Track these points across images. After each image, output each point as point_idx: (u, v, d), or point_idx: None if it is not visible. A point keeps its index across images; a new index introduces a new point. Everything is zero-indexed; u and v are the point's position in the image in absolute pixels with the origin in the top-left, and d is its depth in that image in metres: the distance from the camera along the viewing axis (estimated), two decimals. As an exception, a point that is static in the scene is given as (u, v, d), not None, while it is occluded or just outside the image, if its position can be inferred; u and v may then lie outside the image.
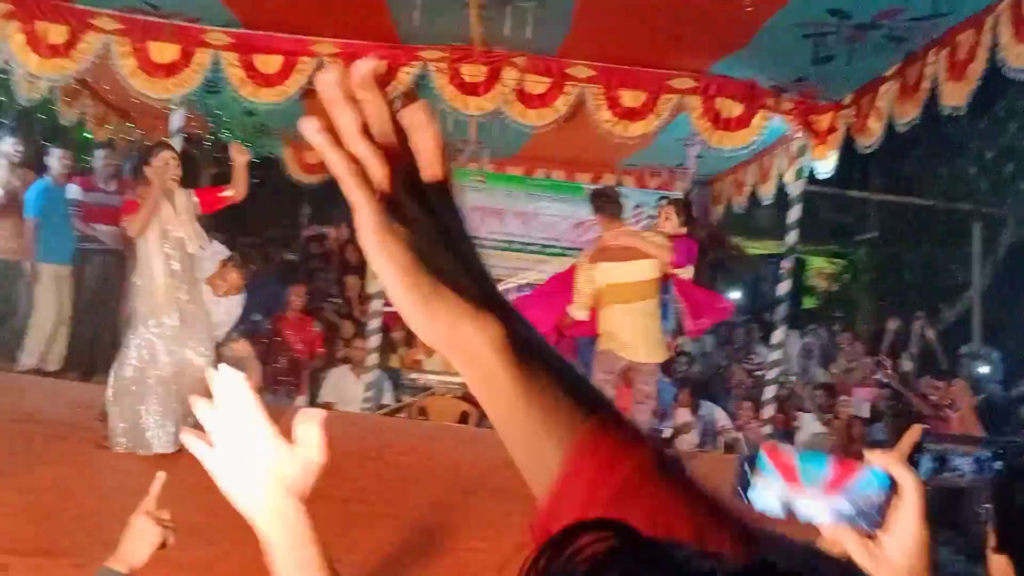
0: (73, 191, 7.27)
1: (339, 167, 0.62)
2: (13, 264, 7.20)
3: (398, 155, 0.64)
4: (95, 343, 7.35)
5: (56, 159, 7.30)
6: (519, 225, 9.85)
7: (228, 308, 6.03)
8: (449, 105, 6.80)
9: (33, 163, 7.44)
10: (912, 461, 1.22)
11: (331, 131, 0.63)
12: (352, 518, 4.60)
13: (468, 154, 9.70)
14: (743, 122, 6.86)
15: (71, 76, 6.68)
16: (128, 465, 4.98)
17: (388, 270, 0.62)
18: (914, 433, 1.50)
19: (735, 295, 16.03)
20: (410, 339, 8.59)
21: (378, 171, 0.63)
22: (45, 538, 3.80)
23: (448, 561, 4.11)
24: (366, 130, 0.63)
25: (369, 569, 3.91)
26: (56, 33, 6.40)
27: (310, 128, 0.63)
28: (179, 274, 5.26)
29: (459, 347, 0.63)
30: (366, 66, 0.62)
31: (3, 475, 4.53)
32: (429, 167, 0.66)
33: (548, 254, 9.54)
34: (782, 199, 8.19)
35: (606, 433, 0.61)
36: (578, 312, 6.06)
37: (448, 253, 0.64)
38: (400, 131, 0.65)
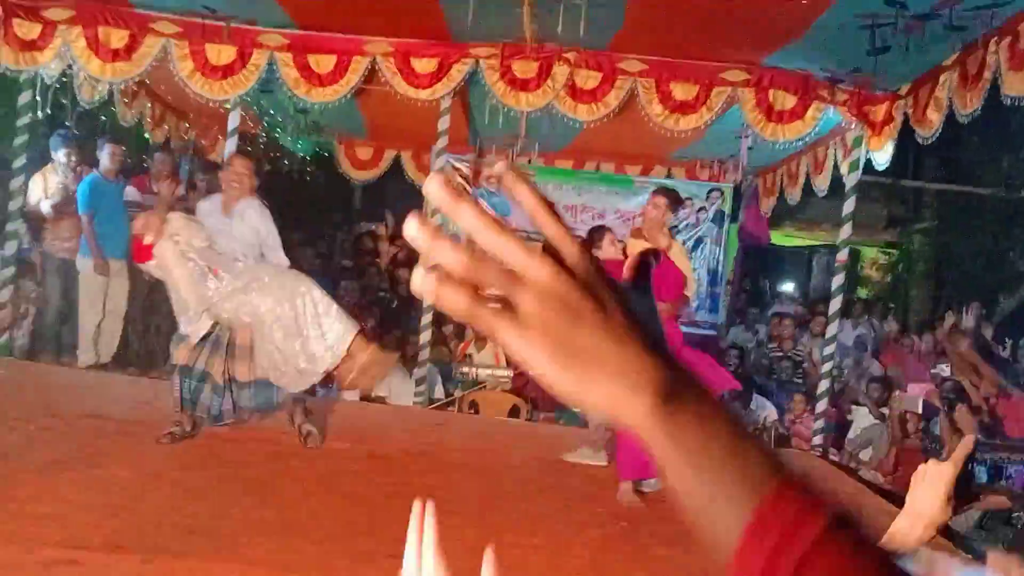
0: (130, 193, 7.42)
1: (508, 241, 0.60)
2: (70, 263, 7.37)
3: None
4: (151, 339, 7.53)
5: (106, 153, 7.45)
6: (570, 218, 9.86)
7: (251, 222, 5.30)
8: (501, 101, 6.83)
9: (91, 162, 7.60)
10: (968, 473, 1.22)
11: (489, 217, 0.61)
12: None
13: (518, 148, 9.75)
14: (797, 114, 6.80)
15: (131, 79, 6.82)
16: (189, 459, 5.10)
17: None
18: (967, 445, 1.50)
19: (786, 287, 15.91)
20: (460, 333, 8.65)
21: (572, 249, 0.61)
22: (114, 534, 3.90)
23: (507, 558, 4.14)
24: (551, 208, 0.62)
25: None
26: (117, 37, 6.54)
27: (435, 183, 0.60)
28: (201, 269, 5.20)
29: (618, 409, 0.60)
30: (501, 167, 0.62)
31: (71, 470, 4.66)
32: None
33: (598, 247, 9.54)
34: (836, 189, 8.09)
35: (789, 497, 0.58)
36: None
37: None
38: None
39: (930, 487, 1.40)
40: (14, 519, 3.94)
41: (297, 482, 4.93)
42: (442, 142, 7.35)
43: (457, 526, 4.32)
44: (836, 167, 7.84)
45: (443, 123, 7.19)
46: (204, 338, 5.22)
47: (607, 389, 0.59)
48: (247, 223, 5.22)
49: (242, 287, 5.11)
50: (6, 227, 7.25)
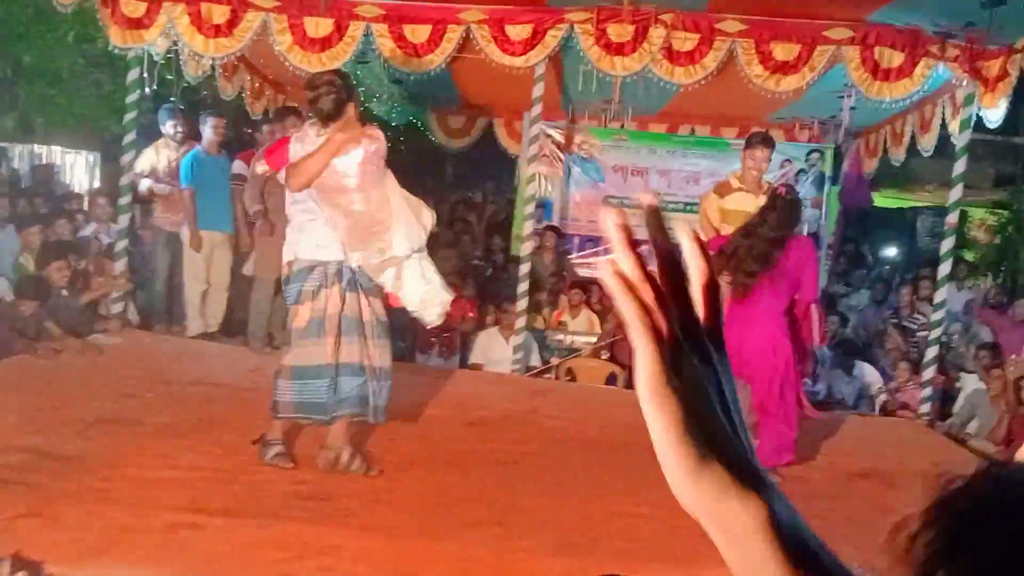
0: (238, 166, 7.60)
1: (628, 312, 0.62)
2: (176, 235, 7.60)
3: (677, 295, 0.64)
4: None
5: (209, 127, 7.60)
6: (663, 183, 9.73)
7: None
8: (596, 66, 6.75)
9: (195, 137, 7.79)
10: None
11: (623, 276, 0.63)
12: (508, 481, 4.73)
13: (611, 113, 9.65)
14: (904, 71, 6.54)
15: (233, 54, 6.95)
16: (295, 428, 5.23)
17: (660, 427, 0.62)
18: None
19: (890, 250, 15.45)
20: (554, 300, 8.65)
21: (662, 320, 0.63)
22: (231, 499, 4.05)
23: (613, 528, 4.16)
24: (650, 276, 0.63)
25: (530, 532, 4.00)
26: (219, 13, 6.67)
27: (606, 271, 0.63)
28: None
29: (722, 522, 0.63)
30: (647, 199, 0.63)
31: (186, 436, 4.84)
32: (703, 308, 0.65)
33: (692, 211, 9.38)
34: (942, 149, 7.78)
35: None
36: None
37: (720, 418, 0.63)
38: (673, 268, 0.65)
39: None
40: (136, 483, 4.13)
41: (401, 450, 5.02)
42: (536, 109, 7.31)
43: (561, 495, 4.37)
44: (943, 125, 7.54)
45: (537, 90, 7.14)
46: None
47: (718, 490, 0.63)
48: None
49: None
50: (119, 201, 7.50)
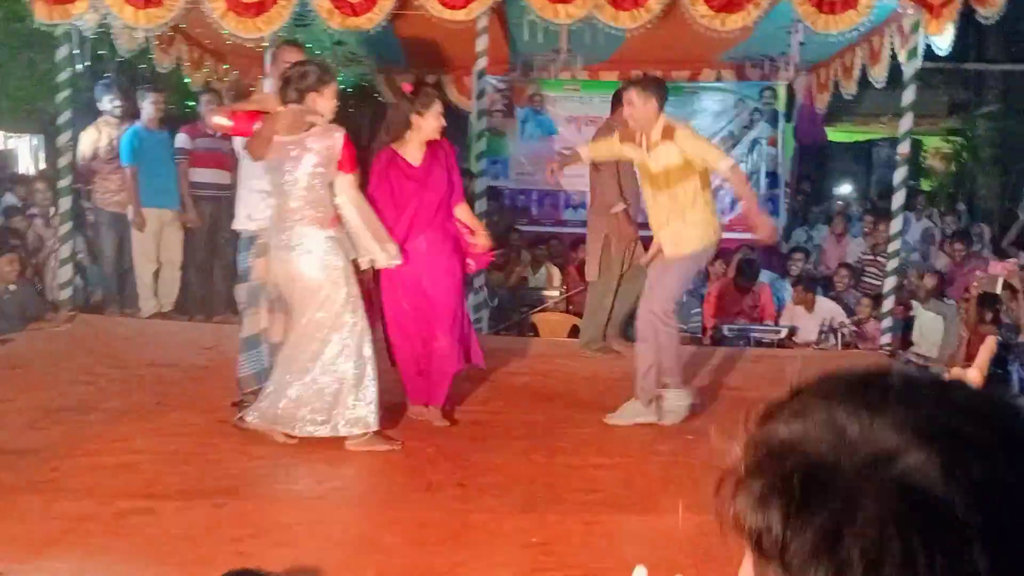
0: (181, 140, 7.42)
1: None
2: (121, 216, 7.43)
3: None
4: (210, 286, 7.60)
5: (149, 102, 7.42)
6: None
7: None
8: (538, 15, 6.62)
9: (135, 113, 7.59)
10: (995, 375, 1.10)
11: None
12: (470, 441, 4.69)
13: (560, 63, 9.51)
14: (849, 3, 6.45)
15: (165, 24, 6.73)
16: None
17: None
18: (990, 347, 1.39)
19: (847, 184, 15.49)
20: (516, 256, 8.59)
21: None
22: (186, 480, 3.98)
23: (574, 481, 4.14)
24: None
25: (501, 490, 3.97)
26: (148, -19, 6.45)
27: None
28: None
29: None
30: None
31: (141, 420, 4.76)
32: None
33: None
34: (894, 79, 7.75)
35: None
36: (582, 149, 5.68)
37: None
38: None
39: None
40: (88, 471, 4.04)
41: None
42: (481, 63, 7.16)
43: (524, 450, 4.35)
44: (894, 56, 7.49)
45: (481, 44, 7.00)
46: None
47: None
48: None
49: None
50: (58, 183, 7.30)
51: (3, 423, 4.61)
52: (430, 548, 3.42)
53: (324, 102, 4.46)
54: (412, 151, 4.90)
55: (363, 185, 4.75)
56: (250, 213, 4.67)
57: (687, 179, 4.86)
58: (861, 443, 0.60)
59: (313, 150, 4.39)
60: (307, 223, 4.38)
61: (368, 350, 4.42)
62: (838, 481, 0.59)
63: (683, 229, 4.91)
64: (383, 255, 4.54)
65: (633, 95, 4.93)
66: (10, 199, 8.53)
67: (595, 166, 6.35)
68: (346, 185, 4.52)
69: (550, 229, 9.81)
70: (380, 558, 3.33)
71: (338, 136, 4.45)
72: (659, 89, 5.00)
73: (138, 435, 4.50)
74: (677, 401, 4.95)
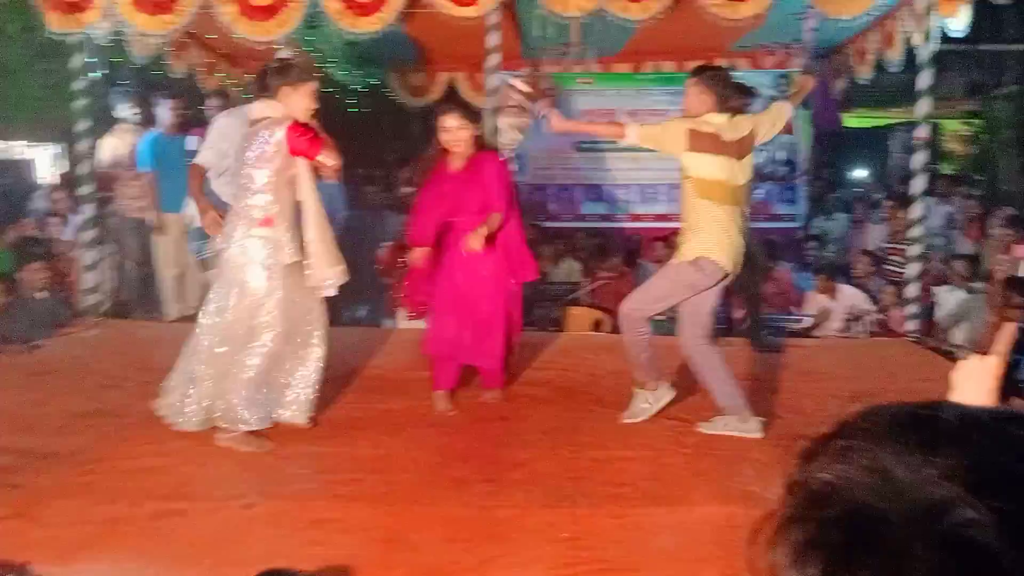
0: (192, 142, 7.48)
1: None
2: (144, 221, 7.48)
3: None
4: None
5: (165, 109, 7.47)
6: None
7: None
8: (548, 8, 6.62)
9: (152, 120, 7.64)
10: (1015, 362, 1.08)
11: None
12: (497, 437, 4.71)
13: (572, 57, 9.49)
14: (862, -14, 6.43)
15: (177, 29, 6.76)
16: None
17: None
18: (1010, 334, 1.36)
19: (862, 172, 15.37)
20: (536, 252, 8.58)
21: None
22: (215, 482, 4.01)
23: (603, 474, 4.14)
24: None
25: (529, 485, 3.99)
26: (158, -12, 6.49)
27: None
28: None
29: None
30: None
31: (167, 424, 4.78)
32: None
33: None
34: (910, 63, 7.70)
35: None
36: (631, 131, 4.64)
37: None
38: None
39: (976, 383, 1.25)
40: (120, 474, 4.08)
41: (389, 415, 4.98)
42: (493, 60, 7.16)
43: (551, 446, 4.35)
44: (907, 39, 7.44)
45: (492, 40, 7.00)
46: None
47: None
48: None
49: None
50: (78, 191, 7.36)
51: (36, 427, 4.67)
52: (460, 544, 3.44)
53: (298, 99, 4.43)
54: (454, 159, 5.11)
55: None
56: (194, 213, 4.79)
57: (684, 179, 4.62)
58: (909, 490, 0.55)
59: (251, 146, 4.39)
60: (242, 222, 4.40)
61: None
62: (884, 533, 0.54)
63: (684, 234, 4.67)
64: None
65: (690, 85, 4.62)
66: (34, 208, 8.61)
67: None
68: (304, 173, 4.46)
69: (569, 224, 9.81)
70: (410, 555, 3.35)
71: (283, 127, 4.35)
72: (716, 83, 4.55)
73: (168, 438, 4.53)
74: (639, 403, 4.83)
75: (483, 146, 5.26)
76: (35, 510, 3.66)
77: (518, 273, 5.26)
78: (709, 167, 4.50)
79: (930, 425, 0.59)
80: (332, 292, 4.63)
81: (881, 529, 0.54)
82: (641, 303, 4.73)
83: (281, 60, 4.52)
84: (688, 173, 4.55)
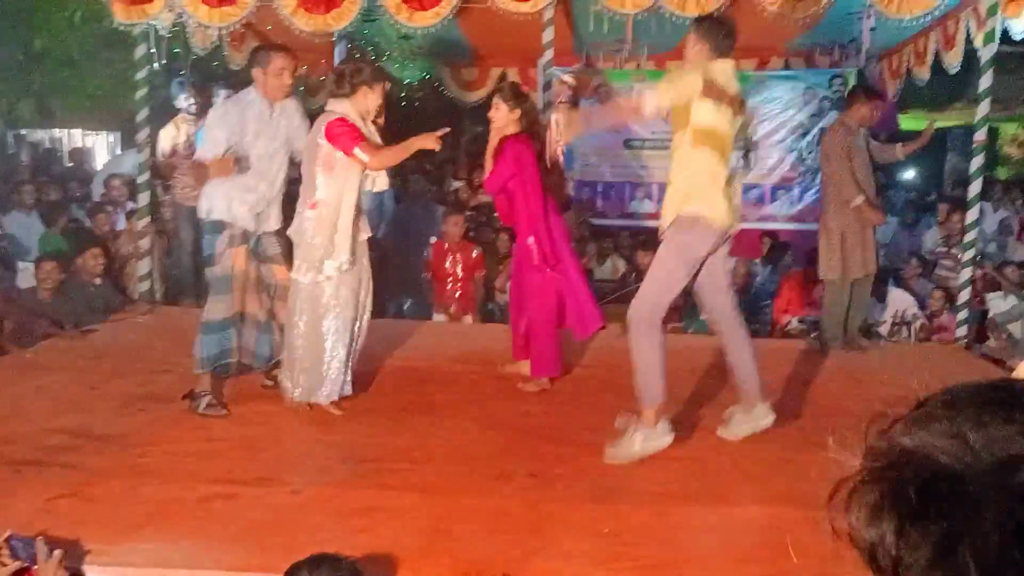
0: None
1: None
2: (195, 209, 7.60)
3: None
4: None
5: (222, 100, 7.59)
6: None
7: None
8: (605, 5, 6.61)
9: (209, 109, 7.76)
10: None
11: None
12: (540, 432, 4.72)
13: (625, 54, 9.47)
14: (924, -13, 6.33)
15: (238, 21, 6.87)
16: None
17: None
18: None
19: (910, 174, 15.10)
20: (582, 248, 8.59)
21: None
22: (265, 467, 4.09)
23: (645, 471, 4.15)
24: None
25: (572, 480, 4.01)
26: (222, -19, 6.60)
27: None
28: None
29: None
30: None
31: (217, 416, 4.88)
32: None
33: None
34: (968, 65, 7.56)
35: None
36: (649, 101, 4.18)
37: None
38: None
39: None
40: (172, 457, 4.18)
41: (433, 407, 5.03)
42: (547, 55, 7.18)
43: (594, 442, 4.35)
44: (968, 40, 7.32)
45: (547, 35, 7.02)
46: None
47: None
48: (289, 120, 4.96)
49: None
50: (137, 179, 7.51)
51: (92, 409, 4.79)
52: (503, 537, 3.47)
53: (374, 98, 4.71)
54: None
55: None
56: (229, 205, 4.79)
57: (679, 128, 4.22)
58: (985, 450, 0.57)
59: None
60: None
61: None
62: (959, 489, 0.56)
63: (668, 195, 4.34)
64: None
65: (689, 35, 4.38)
66: (91, 194, 8.79)
67: (826, 159, 6.55)
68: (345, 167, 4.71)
69: (616, 222, 9.80)
70: (454, 545, 3.39)
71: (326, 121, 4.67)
72: (710, 30, 4.29)
73: (219, 423, 4.64)
74: (631, 440, 4.20)
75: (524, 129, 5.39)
76: (88, 490, 3.76)
77: (585, 324, 5.46)
78: (713, 114, 4.15)
79: (1008, 391, 0.61)
80: (318, 279, 4.77)
81: (955, 486, 0.56)
82: (652, 297, 4.28)
83: (355, 61, 4.75)
84: (692, 120, 4.15)
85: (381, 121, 4.88)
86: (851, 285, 6.53)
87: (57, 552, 2.81)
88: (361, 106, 4.73)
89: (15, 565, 2.81)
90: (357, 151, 4.60)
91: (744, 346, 4.46)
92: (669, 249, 4.30)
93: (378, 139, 4.81)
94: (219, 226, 4.79)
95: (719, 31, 4.28)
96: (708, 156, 4.19)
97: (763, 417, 4.42)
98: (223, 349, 4.88)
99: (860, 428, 0.67)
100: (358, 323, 4.89)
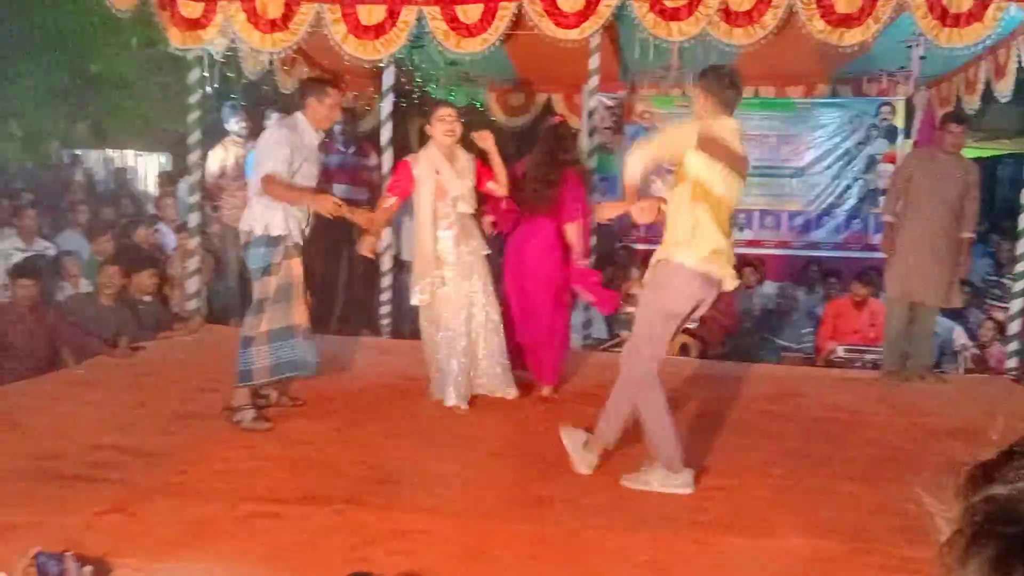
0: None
1: None
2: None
3: None
4: (330, 300, 7.83)
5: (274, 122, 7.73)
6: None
7: None
8: (651, 34, 6.63)
9: (260, 133, 7.90)
10: None
11: None
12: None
13: (671, 80, 9.47)
14: (975, 16, 6.26)
15: (290, 47, 7.01)
16: (363, 416, 5.29)
17: None
18: None
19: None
20: (624, 274, 8.58)
21: None
22: (309, 487, 4.12)
23: (686, 501, 4.12)
24: None
25: (611, 507, 3.99)
26: (274, 7, 6.73)
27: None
28: (451, 233, 5.36)
29: None
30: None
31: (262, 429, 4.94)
32: None
33: (758, 175, 9.16)
34: (1020, 94, 7.47)
35: None
36: (633, 165, 4.18)
37: None
38: None
39: None
40: (215, 475, 4.23)
41: (470, 430, 5.05)
42: (593, 81, 7.22)
43: (632, 469, 4.33)
44: (1020, 69, 7.22)
45: (593, 62, 7.06)
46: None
47: None
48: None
49: None
50: (188, 200, 7.65)
51: (138, 426, 4.87)
52: (541, 563, 3.46)
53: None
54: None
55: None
56: (286, 220, 4.94)
57: (679, 182, 4.14)
58: None
59: None
60: None
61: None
62: None
63: (661, 247, 4.25)
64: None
65: (695, 88, 4.35)
66: (141, 214, 8.97)
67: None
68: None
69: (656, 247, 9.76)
70: (492, 569, 3.39)
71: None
72: (714, 83, 4.20)
73: (262, 442, 4.69)
74: (662, 481, 4.16)
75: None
76: (133, 506, 3.81)
77: (602, 302, 6.06)
78: (707, 170, 4.03)
79: None
80: (414, 302, 5.46)
81: None
82: (639, 355, 4.20)
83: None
84: (687, 173, 4.06)
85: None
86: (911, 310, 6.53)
87: (87, 569, 2.85)
88: (311, 116, 4.99)
89: None
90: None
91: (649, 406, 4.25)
92: (647, 304, 4.23)
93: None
94: (275, 240, 4.91)
95: (722, 83, 4.18)
96: (703, 211, 4.06)
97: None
98: (291, 359, 5.00)
99: (947, 477, 0.68)
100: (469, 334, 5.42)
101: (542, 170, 5.63)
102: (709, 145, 4.04)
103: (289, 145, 4.88)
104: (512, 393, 5.58)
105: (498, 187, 5.49)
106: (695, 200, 4.06)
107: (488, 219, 5.80)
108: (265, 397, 5.25)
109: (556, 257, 5.67)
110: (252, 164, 5.03)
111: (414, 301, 5.45)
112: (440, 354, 5.38)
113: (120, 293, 6.71)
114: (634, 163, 4.16)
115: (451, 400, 5.34)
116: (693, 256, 4.08)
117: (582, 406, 5.26)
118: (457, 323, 5.34)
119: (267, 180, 4.83)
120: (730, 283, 4.22)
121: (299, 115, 5.04)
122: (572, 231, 5.64)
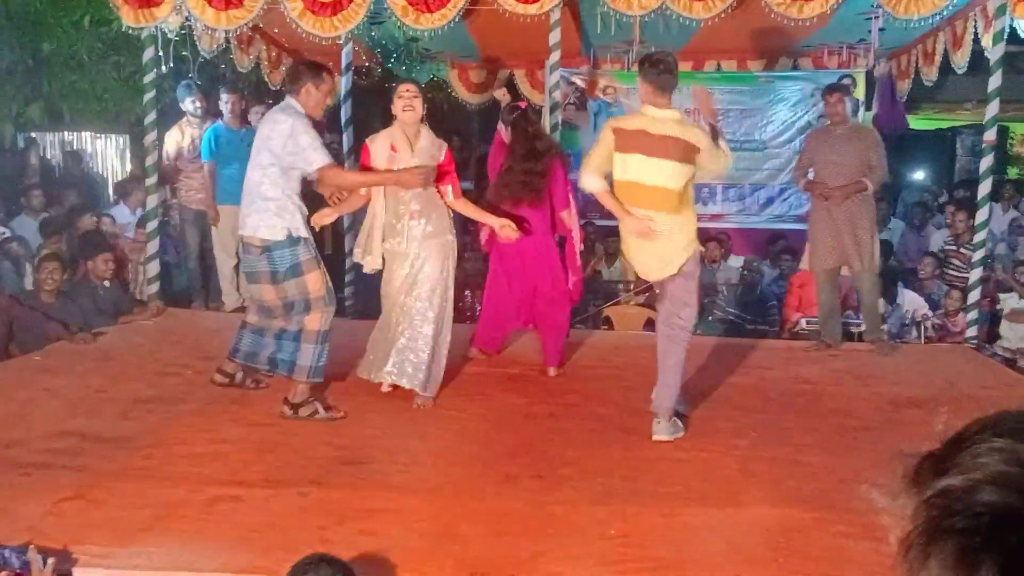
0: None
1: None
2: (204, 213, 7.63)
3: None
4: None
5: (226, 103, 7.61)
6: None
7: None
8: (611, 7, 6.60)
9: (216, 113, 7.78)
10: None
11: None
12: (547, 433, 4.71)
13: (634, 56, 9.45)
14: (933, -13, 6.30)
15: (245, 24, 6.88)
16: (332, 395, 5.25)
17: None
18: None
19: (920, 174, 15.05)
20: (589, 249, 8.58)
21: None
22: (272, 469, 4.08)
23: (653, 474, 4.14)
24: None
25: (579, 482, 3.99)
26: (227, -17, 6.61)
27: None
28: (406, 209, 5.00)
29: None
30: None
31: (227, 411, 4.89)
32: None
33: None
34: (977, 65, 7.54)
35: None
36: (588, 180, 4.60)
37: None
38: None
39: None
40: (179, 459, 4.18)
41: (436, 411, 5.02)
42: (555, 57, 7.17)
43: (601, 443, 4.35)
44: (976, 40, 7.29)
45: (554, 37, 7.01)
46: None
47: None
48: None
49: None
50: (145, 182, 7.51)
51: (99, 412, 4.79)
52: (509, 539, 3.46)
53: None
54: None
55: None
56: (305, 221, 4.80)
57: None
58: None
59: None
60: None
61: None
62: None
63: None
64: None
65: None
66: (97, 197, 8.80)
67: None
68: None
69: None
70: (459, 548, 3.38)
71: None
72: (649, 71, 4.56)
73: (224, 425, 4.64)
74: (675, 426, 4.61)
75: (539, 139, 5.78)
76: (95, 492, 3.76)
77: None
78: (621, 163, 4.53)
79: None
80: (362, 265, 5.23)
81: None
82: (694, 308, 4.76)
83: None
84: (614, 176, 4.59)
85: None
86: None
87: (51, 560, 2.82)
88: (303, 102, 4.76)
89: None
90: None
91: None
92: (693, 276, 4.65)
93: None
94: (297, 240, 4.71)
95: (656, 70, 4.53)
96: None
97: None
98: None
99: (893, 468, 0.67)
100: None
101: (528, 163, 5.58)
102: (622, 137, 4.50)
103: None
104: (406, 386, 5.04)
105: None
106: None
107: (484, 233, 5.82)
108: (230, 377, 5.17)
109: (551, 243, 5.79)
110: (255, 161, 4.75)
111: (362, 264, 5.23)
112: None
113: (67, 284, 6.56)
114: (588, 181, 4.61)
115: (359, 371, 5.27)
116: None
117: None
118: (391, 296, 5.09)
119: (332, 173, 4.77)
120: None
121: (292, 100, 4.78)
122: (568, 217, 5.75)
